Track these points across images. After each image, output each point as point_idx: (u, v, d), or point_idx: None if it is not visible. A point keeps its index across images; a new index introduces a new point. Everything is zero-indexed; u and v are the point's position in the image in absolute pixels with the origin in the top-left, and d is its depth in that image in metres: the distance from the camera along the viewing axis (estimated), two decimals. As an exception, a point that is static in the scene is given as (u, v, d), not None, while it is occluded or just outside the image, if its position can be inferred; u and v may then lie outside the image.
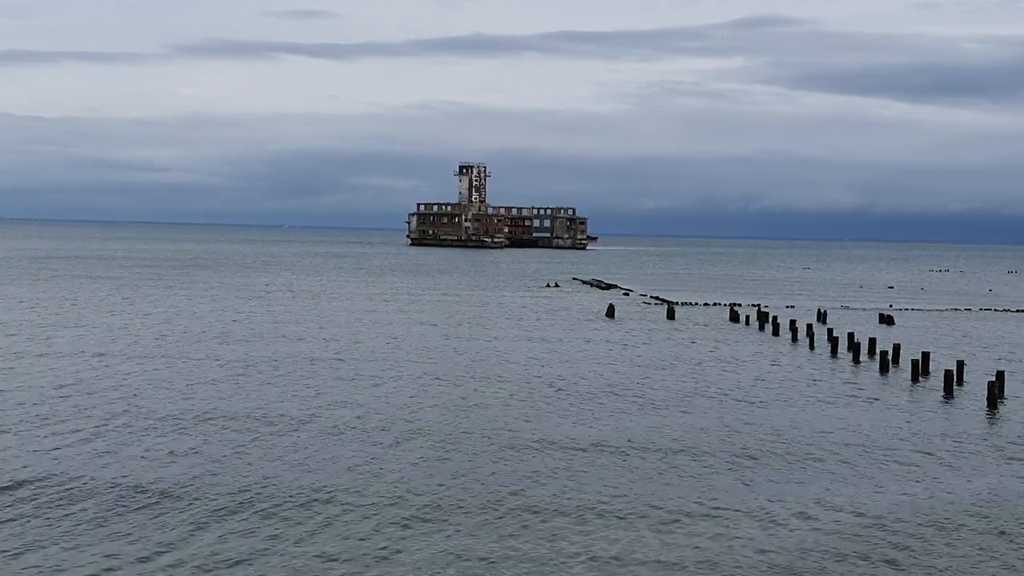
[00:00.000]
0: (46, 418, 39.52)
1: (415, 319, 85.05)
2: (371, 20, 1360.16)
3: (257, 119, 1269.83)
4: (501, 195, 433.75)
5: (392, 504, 29.38)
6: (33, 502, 28.47)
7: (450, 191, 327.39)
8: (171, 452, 34.67)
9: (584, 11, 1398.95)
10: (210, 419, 40.37)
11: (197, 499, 29.15)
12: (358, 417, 41.83)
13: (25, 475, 31.09)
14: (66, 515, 27.37)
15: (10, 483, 30.18)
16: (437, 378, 52.86)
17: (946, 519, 29.36)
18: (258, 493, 29.94)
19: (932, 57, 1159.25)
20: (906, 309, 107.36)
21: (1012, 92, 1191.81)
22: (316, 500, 29.51)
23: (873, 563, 25.59)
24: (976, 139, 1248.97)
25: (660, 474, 33.72)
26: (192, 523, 27.06)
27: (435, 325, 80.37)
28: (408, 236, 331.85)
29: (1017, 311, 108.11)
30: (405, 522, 27.78)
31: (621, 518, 28.65)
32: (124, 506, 28.33)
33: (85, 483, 30.40)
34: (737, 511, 29.55)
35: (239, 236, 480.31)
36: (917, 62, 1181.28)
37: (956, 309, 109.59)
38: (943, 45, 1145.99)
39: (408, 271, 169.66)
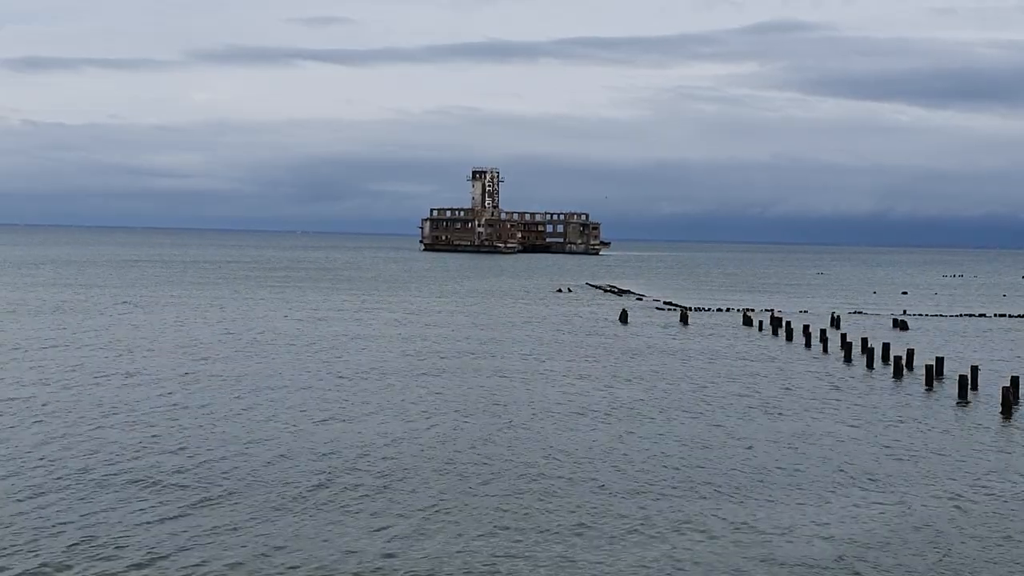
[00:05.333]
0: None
1: (428, 325, 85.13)
2: (388, 26, 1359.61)
3: (276, 125, 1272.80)
4: (518, 201, 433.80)
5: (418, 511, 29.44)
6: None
7: (467, 196, 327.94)
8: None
9: (600, 17, 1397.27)
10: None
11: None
12: (383, 422, 41.90)
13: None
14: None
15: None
16: (452, 383, 52.94)
17: (960, 524, 29.21)
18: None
19: (948, 62, 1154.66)
20: (920, 314, 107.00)
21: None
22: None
23: (885, 569, 25.45)
24: (992, 144, 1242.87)
25: (672, 479, 33.62)
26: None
27: (449, 331, 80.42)
28: (421, 241, 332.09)
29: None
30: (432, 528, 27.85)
31: (638, 525, 28.57)
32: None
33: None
34: (749, 517, 29.44)
35: (269, 242, 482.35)
36: (933, 67, 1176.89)
37: (971, 315, 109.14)
38: (958, 50, 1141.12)
39: (419, 278, 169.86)
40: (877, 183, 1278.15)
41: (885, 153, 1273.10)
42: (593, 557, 25.66)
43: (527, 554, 25.77)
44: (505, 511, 29.39)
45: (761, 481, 33.55)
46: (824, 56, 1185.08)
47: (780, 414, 46.21)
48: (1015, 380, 50.57)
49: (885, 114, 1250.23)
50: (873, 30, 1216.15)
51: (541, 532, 27.53)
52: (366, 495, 30.69)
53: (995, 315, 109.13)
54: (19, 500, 29.11)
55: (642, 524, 28.46)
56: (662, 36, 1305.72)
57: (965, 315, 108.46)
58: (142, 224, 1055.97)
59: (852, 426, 43.60)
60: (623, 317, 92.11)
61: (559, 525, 28.16)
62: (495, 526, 28.00)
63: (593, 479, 33.25)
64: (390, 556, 25.42)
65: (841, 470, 35.43)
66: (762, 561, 25.69)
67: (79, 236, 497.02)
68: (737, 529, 28.23)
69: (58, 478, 31.56)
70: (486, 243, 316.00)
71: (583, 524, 28.29)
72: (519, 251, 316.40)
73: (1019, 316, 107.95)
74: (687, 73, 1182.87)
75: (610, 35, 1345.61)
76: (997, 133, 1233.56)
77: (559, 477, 33.45)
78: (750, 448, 38.58)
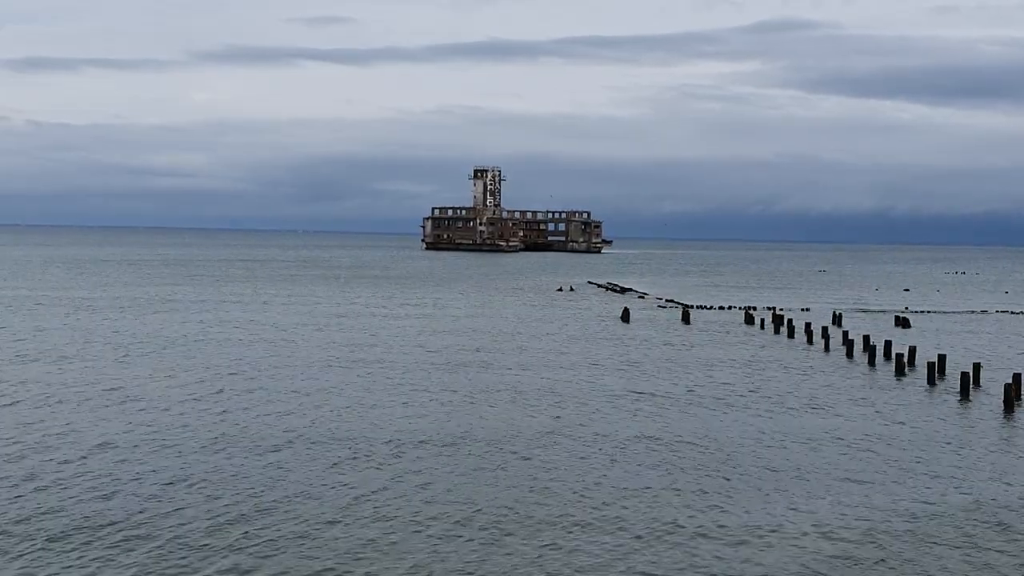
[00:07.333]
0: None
1: (432, 326, 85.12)
2: (389, 26, 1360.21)
3: (278, 125, 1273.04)
4: (520, 200, 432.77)
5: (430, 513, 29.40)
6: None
7: (468, 196, 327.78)
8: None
9: (602, 16, 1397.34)
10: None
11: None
12: (380, 428, 41.87)
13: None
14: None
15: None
16: (454, 380, 52.98)
17: (961, 522, 29.10)
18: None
19: (950, 60, 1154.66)
20: (922, 311, 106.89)
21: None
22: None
23: (888, 567, 25.35)
24: (995, 141, 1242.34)
25: (674, 480, 33.53)
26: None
27: (452, 331, 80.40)
28: (423, 240, 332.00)
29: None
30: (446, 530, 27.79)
31: (639, 523, 28.49)
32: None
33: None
34: (747, 513, 29.35)
35: (271, 241, 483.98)
36: (935, 65, 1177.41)
37: (972, 312, 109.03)
38: (961, 47, 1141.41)
39: (424, 277, 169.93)
40: (879, 181, 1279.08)
41: (887, 151, 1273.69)
42: (596, 556, 25.58)
43: (549, 552, 25.74)
44: (513, 512, 29.36)
45: (760, 479, 33.45)
46: (826, 54, 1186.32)
47: (780, 412, 46.10)
48: (1017, 377, 50.43)
49: (887, 112, 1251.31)
50: (875, 28, 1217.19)
51: (537, 529, 27.51)
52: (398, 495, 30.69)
53: (997, 312, 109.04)
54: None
55: (642, 521, 28.38)
56: (666, 35, 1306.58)
57: (967, 312, 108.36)
58: (142, 224, 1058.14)
59: (853, 424, 43.48)
60: (625, 315, 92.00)
61: (561, 525, 28.11)
62: (502, 524, 27.96)
63: (591, 473, 33.20)
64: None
65: (841, 468, 35.31)
66: (759, 556, 25.60)
67: (81, 236, 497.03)
68: (734, 526, 28.13)
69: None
70: (488, 242, 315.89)
71: (581, 519, 28.24)
72: (521, 249, 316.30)
73: (1021, 313, 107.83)
74: (691, 71, 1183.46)
75: (611, 34, 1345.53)
76: (999, 131, 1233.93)
77: (560, 476, 33.39)
78: (749, 446, 38.47)
